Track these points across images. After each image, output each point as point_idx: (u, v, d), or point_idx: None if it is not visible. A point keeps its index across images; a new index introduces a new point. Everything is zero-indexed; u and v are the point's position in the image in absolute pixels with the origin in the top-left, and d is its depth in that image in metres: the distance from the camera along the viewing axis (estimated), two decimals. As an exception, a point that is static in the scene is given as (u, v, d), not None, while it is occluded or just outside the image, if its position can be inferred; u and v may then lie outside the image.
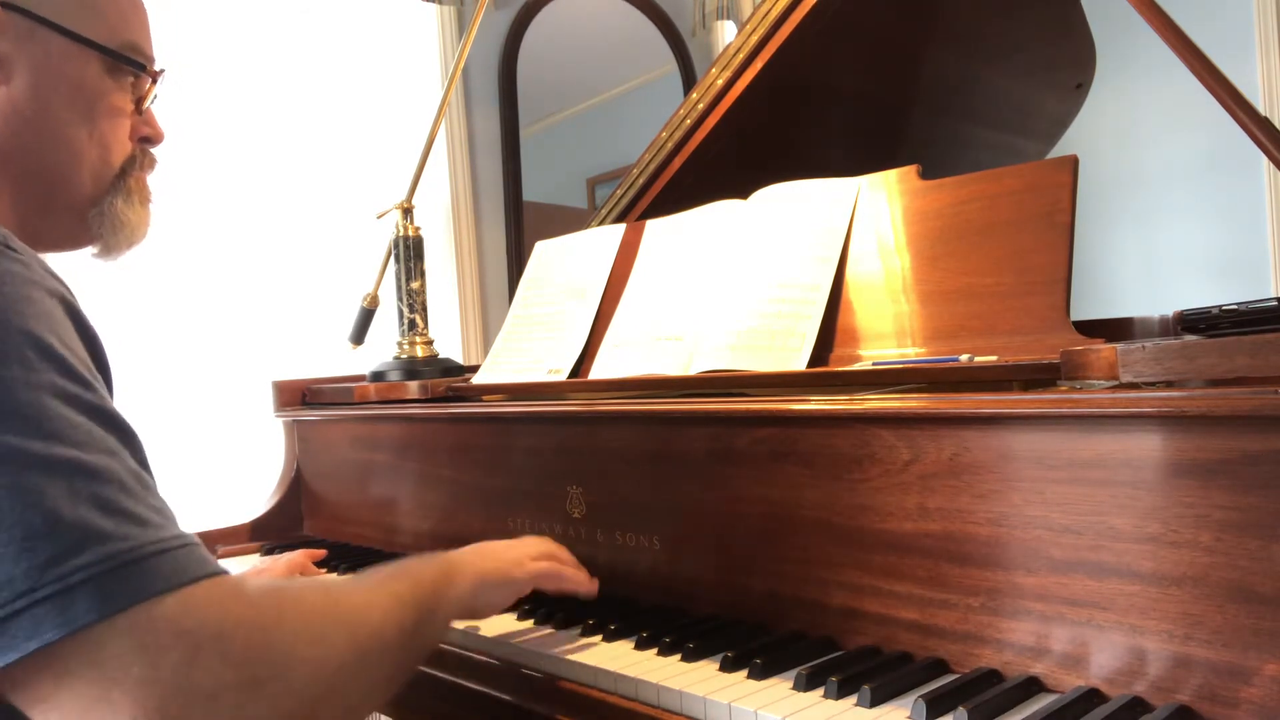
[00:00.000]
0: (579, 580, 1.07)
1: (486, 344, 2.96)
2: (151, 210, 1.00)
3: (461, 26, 3.00)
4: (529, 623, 1.12)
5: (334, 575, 1.41)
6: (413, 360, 1.68)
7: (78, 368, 0.72)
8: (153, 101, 1.00)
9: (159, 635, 0.65)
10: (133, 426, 0.74)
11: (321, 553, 1.48)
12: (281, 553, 1.59)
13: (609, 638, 1.02)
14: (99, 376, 0.77)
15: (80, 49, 0.91)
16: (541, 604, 1.15)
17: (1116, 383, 0.76)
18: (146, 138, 1.00)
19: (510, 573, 1.00)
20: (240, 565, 1.59)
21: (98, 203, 0.95)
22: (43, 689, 0.64)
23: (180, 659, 0.66)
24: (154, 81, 0.99)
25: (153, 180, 1.06)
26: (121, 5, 0.96)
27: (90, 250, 0.98)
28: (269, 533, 1.72)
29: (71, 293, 0.79)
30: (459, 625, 1.12)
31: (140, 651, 0.65)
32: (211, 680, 0.67)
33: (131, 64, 0.95)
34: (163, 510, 0.71)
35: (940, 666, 0.86)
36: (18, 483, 0.65)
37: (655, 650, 0.98)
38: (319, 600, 0.78)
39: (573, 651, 1.00)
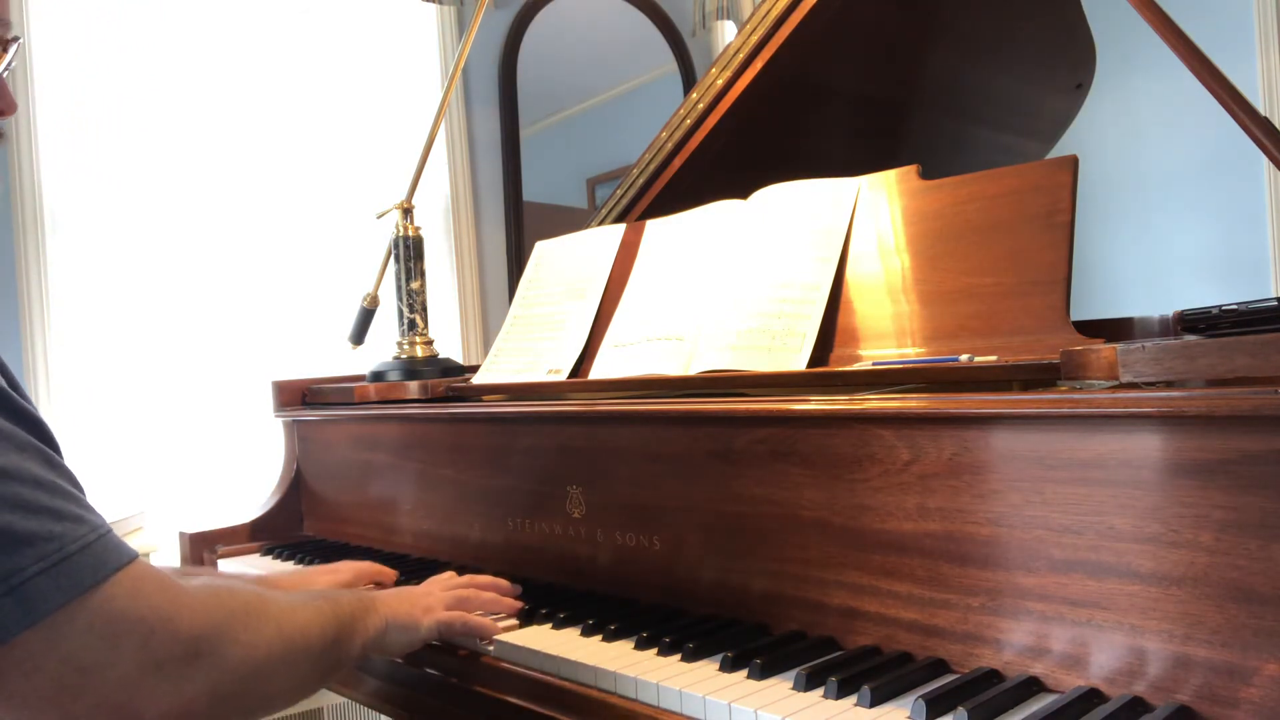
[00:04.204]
0: (483, 630, 1.08)
1: (486, 344, 2.96)
2: None
3: (461, 26, 3.00)
4: (529, 622, 1.12)
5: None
6: (413, 360, 1.68)
7: None
8: (5, 70, 0.90)
9: (115, 621, 0.72)
10: (31, 408, 0.76)
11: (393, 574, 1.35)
12: (282, 553, 1.59)
13: (609, 638, 1.02)
14: None
15: None
16: (542, 604, 1.15)
17: (1116, 383, 0.76)
18: None
19: (418, 620, 1.05)
20: (246, 566, 1.59)
21: None
22: (10, 684, 0.69)
23: (138, 640, 0.73)
24: (4, 49, 0.89)
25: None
26: None
27: None
28: (269, 533, 1.72)
29: None
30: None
31: (101, 637, 0.71)
32: (161, 655, 0.74)
33: None
34: (77, 498, 0.75)
35: (940, 666, 0.86)
36: None
37: (655, 650, 0.98)
38: (251, 596, 0.86)
39: (573, 651, 1.00)
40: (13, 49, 0.90)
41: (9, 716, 0.72)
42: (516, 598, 1.15)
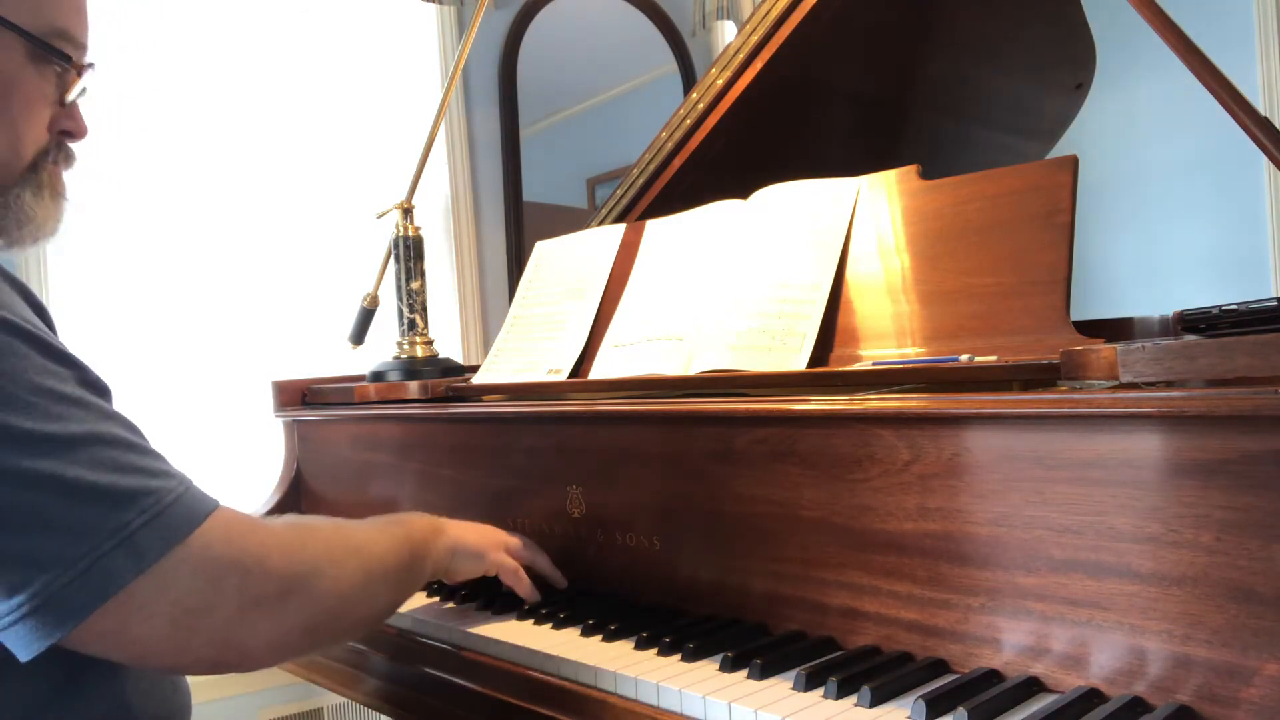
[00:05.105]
0: (526, 589, 1.16)
1: (486, 344, 2.95)
2: (65, 206, 0.94)
3: (461, 26, 3.00)
4: (529, 621, 1.12)
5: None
6: (413, 360, 1.68)
7: (53, 343, 0.78)
8: (79, 95, 0.94)
9: (215, 564, 0.79)
10: (102, 378, 0.82)
11: None
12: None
13: (609, 638, 1.02)
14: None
15: (2, 32, 0.86)
16: (543, 604, 1.15)
17: (1116, 383, 0.76)
18: (68, 131, 0.94)
19: (485, 551, 1.14)
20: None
21: (4, 193, 0.90)
22: (131, 629, 0.76)
23: (238, 581, 0.80)
24: (79, 74, 0.93)
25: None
26: None
27: None
28: (269, 533, 1.72)
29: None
30: (461, 628, 1.13)
31: (205, 579, 0.78)
32: (259, 592, 0.82)
33: (56, 54, 0.89)
34: (161, 456, 0.81)
35: (940, 666, 0.86)
36: (46, 466, 0.72)
37: (655, 650, 0.98)
38: (332, 531, 0.93)
39: (572, 651, 1.00)
40: (86, 74, 0.94)
41: (132, 663, 0.80)
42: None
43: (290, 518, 0.92)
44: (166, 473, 0.79)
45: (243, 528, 0.83)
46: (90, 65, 0.94)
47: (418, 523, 1.07)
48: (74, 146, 0.96)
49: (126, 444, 0.78)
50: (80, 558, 0.72)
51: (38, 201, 0.91)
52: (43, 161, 0.92)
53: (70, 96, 0.93)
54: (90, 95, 0.96)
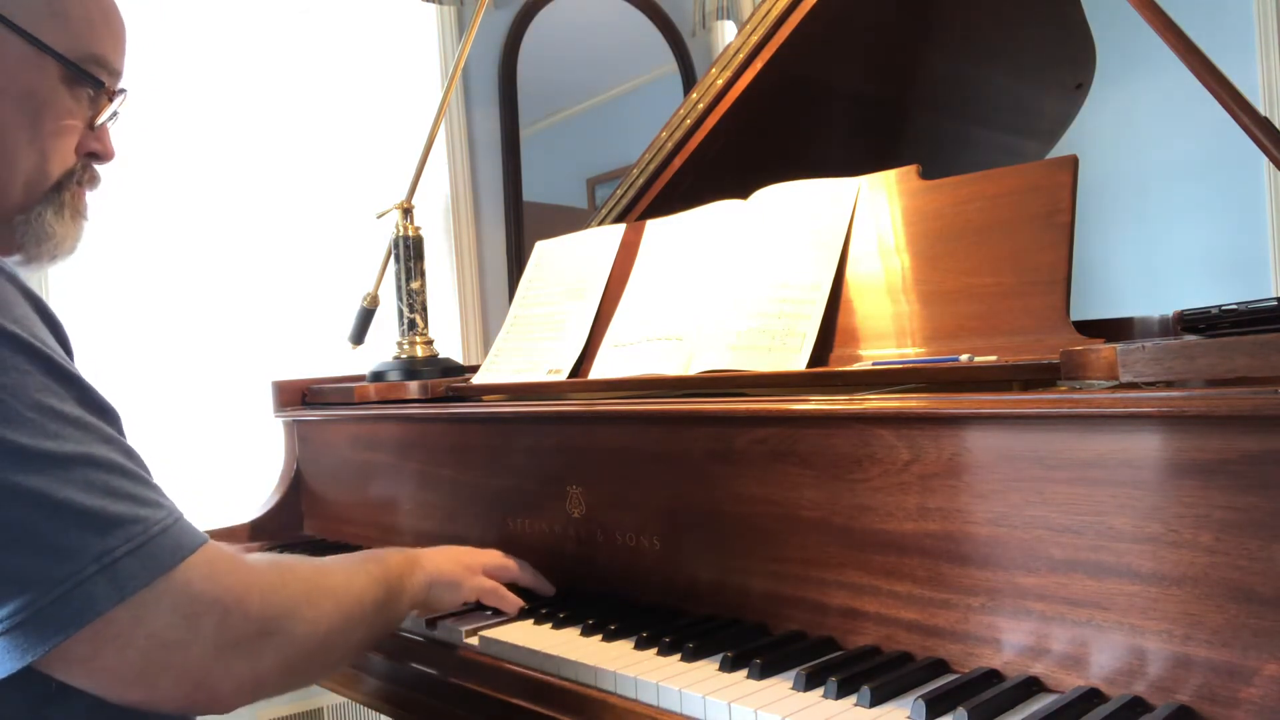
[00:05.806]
0: (509, 605, 1.15)
1: (486, 344, 2.96)
2: (84, 226, 0.96)
3: (461, 26, 3.00)
4: (528, 622, 1.12)
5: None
6: (413, 360, 1.68)
7: (59, 361, 0.77)
8: (109, 120, 0.96)
9: (194, 601, 0.78)
10: (109, 401, 0.81)
11: None
12: (282, 554, 1.59)
13: (609, 638, 1.02)
14: (71, 361, 0.81)
15: (39, 55, 0.88)
16: (542, 604, 1.15)
17: (1116, 383, 0.76)
18: (94, 153, 0.96)
19: (461, 580, 1.12)
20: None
21: (26, 211, 0.91)
22: (103, 658, 0.74)
23: (215, 620, 0.78)
24: (110, 100, 0.95)
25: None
26: (92, 16, 0.92)
27: (12, 259, 0.93)
28: (269, 533, 1.72)
29: (19, 274, 0.80)
30: (460, 628, 1.13)
31: (183, 616, 0.77)
32: (237, 634, 0.80)
33: (90, 79, 0.91)
34: (155, 485, 0.80)
35: (940, 666, 0.86)
36: (37, 484, 0.71)
37: (655, 650, 0.98)
38: (311, 571, 0.92)
39: (572, 651, 1.00)
40: (118, 100, 0.95)
41: (99, 693, 0.77)
42: (522, 598, 1.17)
43: (270, 556, 0.91)
44: (157, 503, 0.78)
45: (226, 566, 0.81)
46: (123, 91, 0.96)
47: (394, 559, 1.05)
48: (100, 168, 0.98)
49: (120, 469, 0.77)
50: (61, 580, 0.71)
51: (58, 220, 0.93)
52: (67, 182, 0.93)
53: (100, 120, 0.95)
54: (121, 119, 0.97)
